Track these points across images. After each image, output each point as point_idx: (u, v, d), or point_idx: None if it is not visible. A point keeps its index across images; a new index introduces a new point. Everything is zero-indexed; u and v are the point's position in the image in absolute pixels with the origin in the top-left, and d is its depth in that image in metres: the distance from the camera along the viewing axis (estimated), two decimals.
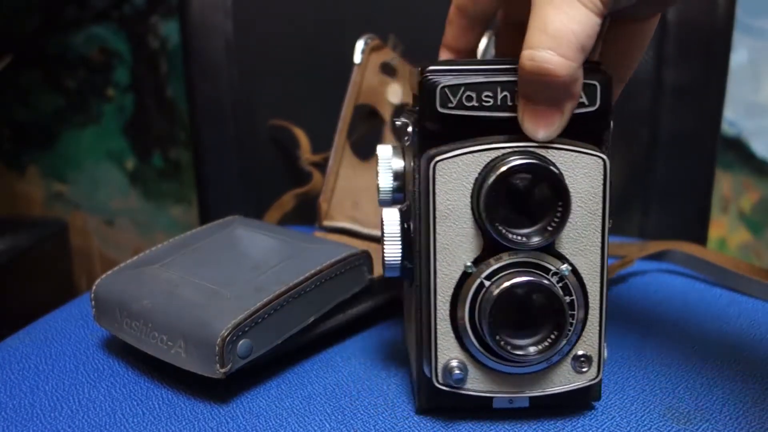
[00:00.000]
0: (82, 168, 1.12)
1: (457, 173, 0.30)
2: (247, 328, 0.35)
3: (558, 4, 0.27)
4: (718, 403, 0.35)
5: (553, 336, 0.31)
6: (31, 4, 1.06)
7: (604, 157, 0.30)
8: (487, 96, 0.30)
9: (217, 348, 0.34)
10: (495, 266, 0.31)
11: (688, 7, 0.64)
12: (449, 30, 0.35)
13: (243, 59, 0.70)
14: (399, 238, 0.32)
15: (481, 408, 0.34)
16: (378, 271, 0.43)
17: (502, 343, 0.31)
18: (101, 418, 0.35)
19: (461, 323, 0.31)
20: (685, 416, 0.34)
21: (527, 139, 0.30)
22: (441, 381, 0.32)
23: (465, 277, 0.31)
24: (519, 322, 0.31)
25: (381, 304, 0.44)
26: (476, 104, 0.30)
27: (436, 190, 0.30)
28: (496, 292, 0.30)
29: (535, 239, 0.30)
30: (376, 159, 0.35)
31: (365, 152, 0.58)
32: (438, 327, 0.32)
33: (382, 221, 0.33)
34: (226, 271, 0.41)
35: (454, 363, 0.32)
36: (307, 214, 0.63)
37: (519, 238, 0.30)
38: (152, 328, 0.37)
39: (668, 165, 0.67)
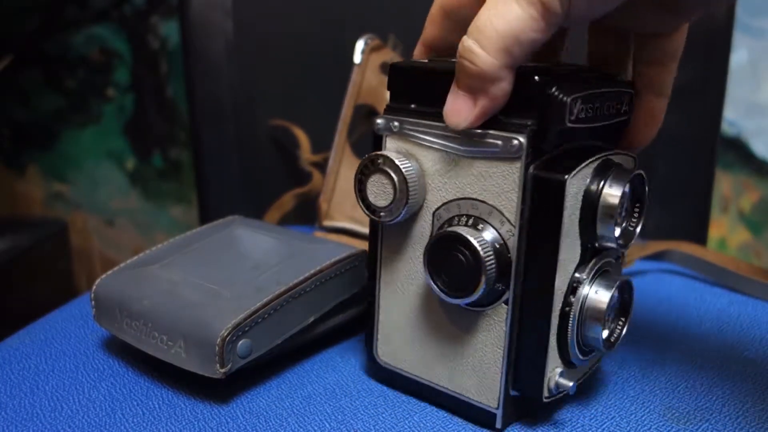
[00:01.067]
0: (82, 168, 1.12)
1: (576, 188, 0.30)
2: (247, 328, 0.35)
3: (494, 1, 0.27)
4: (718, 403, 0.35)
5: (622, 321, 0.33)
6: (31, 4, 1.06)
7: (635, 155, 0.33)
8: (590, 107, 0.30)
9: (217, 348, 0.34)
10: (593, 272, 0.31)
11: None
12: (430, 29, 0.34)
13: (243, 59, 0.70)
14: (494, 258, 0.30)
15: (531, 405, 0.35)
16: None
17: (612, 339, 0.33)
18: (101, 418, 0.35)
19: (570, 332, 0.31)
20: (685, 416, 0.34)
21: (606, 148, 0.31)
22: (547, 395, 0.32)
23: (573, 288, 0.31)
24: (610, 317, 0.33)
25: None
26: (585, 116, 0.30)
27: (565, 207, 0.29)
28: (608, 295, 0.31)
29: (628, 240, 0.32)
30: (381, 164, 0.33)
31: (365, 152, 0.57)
32: (549, 343, 0.31)
33: (469, 241, 0.30)
34: (226, 271, 0.41)
35: (556, 374, 0.32)
36: (307, 214, 0.63)
37: (621, 242, 0.31)
38: (152, 328, 0.37)
39: (668, 165, 0.67)
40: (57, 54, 1.07)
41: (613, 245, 0.31)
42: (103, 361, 0.41)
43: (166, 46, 1.05)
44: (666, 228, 0.67)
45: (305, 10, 0.70)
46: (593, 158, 0.30)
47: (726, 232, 1.03)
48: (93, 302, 0.41)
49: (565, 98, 0.28)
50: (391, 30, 0.60)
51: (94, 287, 0.41)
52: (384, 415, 0.35)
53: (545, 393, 0.31)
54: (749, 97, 0.97)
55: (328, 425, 0.34)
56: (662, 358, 0.40)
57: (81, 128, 1.10)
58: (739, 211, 1.02)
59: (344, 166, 0.56)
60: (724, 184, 1.00)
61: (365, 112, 0.58)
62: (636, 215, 0.32)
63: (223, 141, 0.72)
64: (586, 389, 0.37)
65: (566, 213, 0.29)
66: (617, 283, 0.31)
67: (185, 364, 0.36)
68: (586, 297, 0.31)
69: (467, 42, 0.28)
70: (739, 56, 0.95)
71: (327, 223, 0.56)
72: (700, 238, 0.68)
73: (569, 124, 0.29)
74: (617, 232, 0.31)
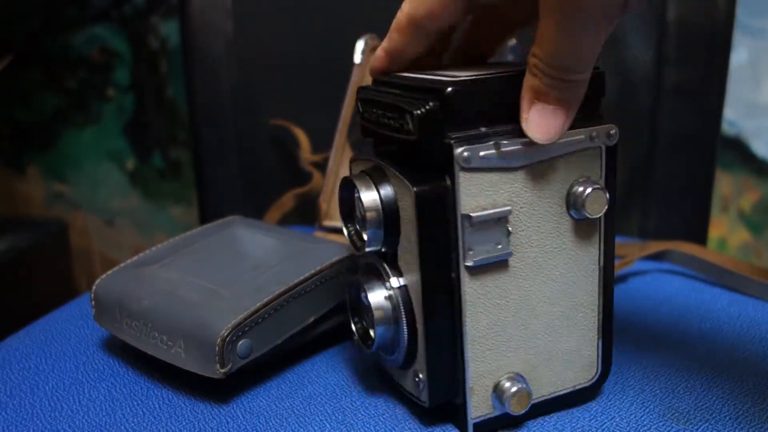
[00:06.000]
0: (82, 168, 1.12)
1: None
2: (247, 328, 0.35)
3: (566, 25, 0.27)
4: (717, 403, 0.35)
5: (370, 341, 0.34)
6: (31, 4, 1.06)
7: (414, 190, 0.29)
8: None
9: (217, 348, 0.34)
10: (366, 261, 0.35)
11: (688, 7, 0.64)
12: (397, 38, 0.33)
13: (243, 59, 0.70)
14: None
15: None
16: None
17: (358, 326, 0.35)
18: (101, 418, 0.35)
19: None
20: (685, 416, 0.34)
21: (387, 156, 0.32)
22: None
23: None
24: (357, 315, 0.35)
25: None
26: None
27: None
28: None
29: (356, 246, 0.34)
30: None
31: (366, 152, 0.57)
32: None
33: None
34: (226, 271, 0.41)
35: None
36: (307, 214, 0.63)
37: (351, 239, 0.34)
38: (152, 328, 0.37)
39: (668, 165, 0.67)
40: (57, 54, 1.07)
41: (353, 239, 0.35)
42: (103, 361, 0.41)
43: (166, 46, 1.05)
44: (666, 228, 0.67)
45: (305, 9, 0.70)
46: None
47: (726, 232, 1.03)
48: (93, 302, 0.41)
49: None
50: None
51: (94, 287, 0.41)
52: (385, 416, 0.35)
53: None
54: (749, 97, 0.97)
55: (328, 425, 0.34)
56: (662, 358, 0.40)
57: (81, 128, 1.10)
58: (739, 211, 1.02)
59: (344, 166, 0.56)
60: (724, 184, 1.00)
61: None
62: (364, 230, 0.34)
63: (223, 141, 0.72)
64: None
65: None
66: (350, 278, 0.36)
67: (185, 364, 0.36)
68: None
69: (553, 67, 0.28)
70: (739, 56, 0.95)
71: (327, 223, 0.56)
72: (700, 238, 0.68)
73: None
74: None
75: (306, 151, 0.65)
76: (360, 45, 0.57)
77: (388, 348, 0.33)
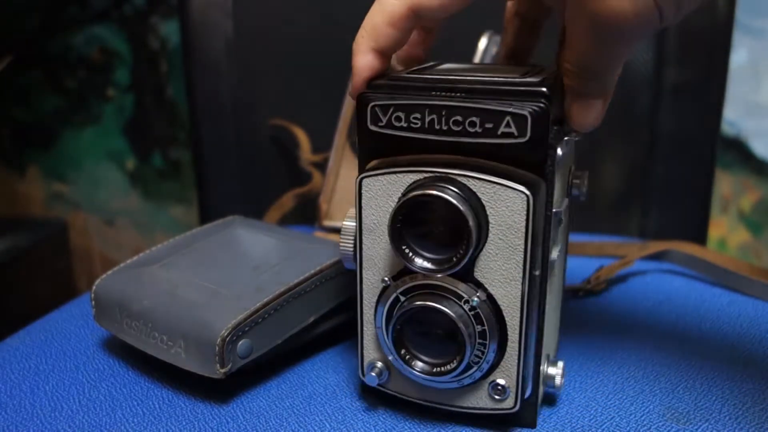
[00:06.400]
0: (82, 168, 1.12)
1: (380, 190, 0.31)
2: (247, 328, 0.35)
3: (592, 36, 0.27)
4: (717, 403, 0.35)
5: (456, 360, 0.31)
6: (31, 4, 1.06)
7: (528, 193, 0.29)
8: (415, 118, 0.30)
9: (217, 348, 0.34)
10: (410, 284, 0.31)
11: None
12: (392, 33, 0.30)
13: (243, 59, 0.70)
14: None
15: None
16: None
17: (407, 356, 0.32)
18: (101, 418, 0.35)
19: (378, 330, 0.33)
20: (684, 416, 0.34)
21: (454, 165, 0.30)
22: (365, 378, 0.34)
23: (384, 289, 0.32)
24: (423, 340, 0.32)
25: None
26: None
27: (362, 205, 0.31)
28: (400, 309, 0.31)
29: (436, 267, 0.30)
30: None
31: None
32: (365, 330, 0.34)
33: None
34: (226, 271, 0.41)
35: (379, 364, 0.34)
36: (307, 214, 0.63)
37: (422, 262, 0.30)
38: (152, 328, 0.37)
39: (668, 165, 0.67)
40: (57, 54, 1.07)
41: (419, 264, 0.32)
42: (103, 361, 0.41)
43: (166, 46, 1.05)
44: (666, 228, 0.67)
45: (305, 10, 0.70)
46: (419, 169, 0.33)
47: (726, 232, 1.03)
48: (93, 302, 0.41)
49: None
50: None
51: (94, 287, 0.41)
52: (384, 416, 0.35)
53: (362, 374, 0.35)
54: (749, 97, 0.97)
55: (328, 425, 0.34)
56: (662, 358, 0.40)
57: (81, 128, 1.10)
58: (739, 211, 1.02)
59: (344, 166, 0.57)
60: (724, 184, 1.00)
61: None
62: (462, 249, 0.31)
63: (223, 141, 0.72)
64: (587, 389, 0.37)
65: (366, 211, 0.32)
66: (417, 303, 0.32)
67: (185, 364, 0.36)
68: (397, 305, 0.33)
69: (582, 70, 0.29)
70: (739, 56, 0.95)
71: (327, 223, 0.56)
72: (700, 238, 0.68)
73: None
74: None
75: (306, 151, 0.65)
76: None
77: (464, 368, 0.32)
